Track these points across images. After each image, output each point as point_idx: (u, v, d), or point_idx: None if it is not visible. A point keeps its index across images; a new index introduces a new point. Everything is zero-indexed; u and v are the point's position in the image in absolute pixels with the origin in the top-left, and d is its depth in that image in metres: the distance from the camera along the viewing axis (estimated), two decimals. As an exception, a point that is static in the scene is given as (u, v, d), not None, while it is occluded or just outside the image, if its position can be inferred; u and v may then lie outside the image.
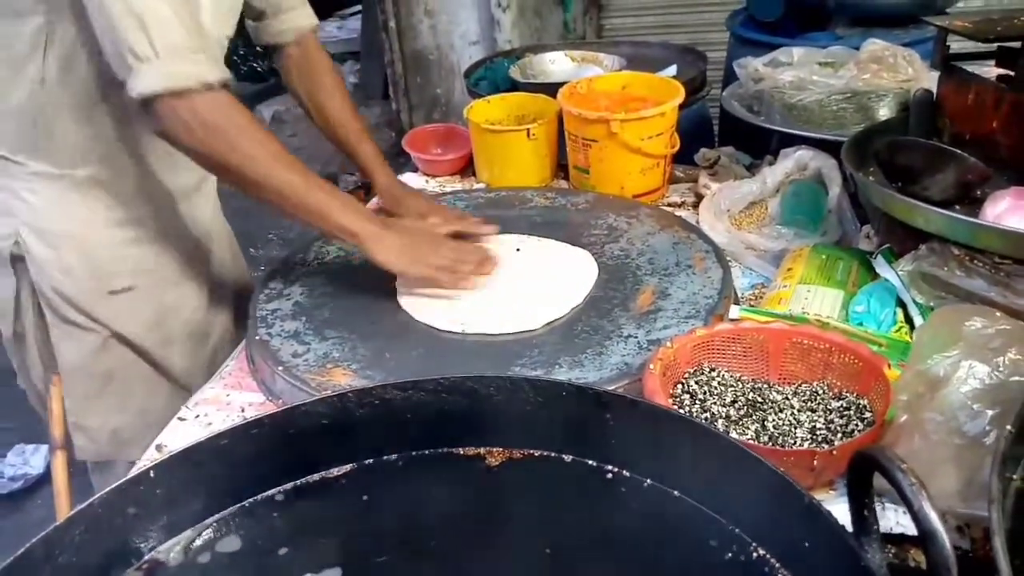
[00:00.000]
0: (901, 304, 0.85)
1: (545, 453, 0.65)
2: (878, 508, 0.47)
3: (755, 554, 0.55)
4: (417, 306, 0.94)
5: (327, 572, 0.56)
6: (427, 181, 1.38)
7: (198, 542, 0.59)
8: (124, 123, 0.93)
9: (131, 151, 0.95)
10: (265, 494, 0.62)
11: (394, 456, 0.66)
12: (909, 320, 0.83)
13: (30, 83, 0.87)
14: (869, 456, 0.42)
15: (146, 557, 0.57)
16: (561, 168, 1.34)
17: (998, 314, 0.64)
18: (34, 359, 1.01)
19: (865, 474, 0.44)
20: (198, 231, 1.07)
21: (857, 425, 0.70)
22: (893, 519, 0.63)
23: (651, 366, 0.73)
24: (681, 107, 1.22)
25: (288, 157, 0.87)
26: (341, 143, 1.12)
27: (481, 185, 1.34)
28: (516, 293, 0.96)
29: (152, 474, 0.57)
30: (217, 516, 0.60)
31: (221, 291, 1.11)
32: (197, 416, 0.83)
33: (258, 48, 1.13)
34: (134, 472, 0.57)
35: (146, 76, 0.79)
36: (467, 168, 1.40)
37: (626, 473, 0.62)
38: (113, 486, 0.55)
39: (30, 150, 0.91)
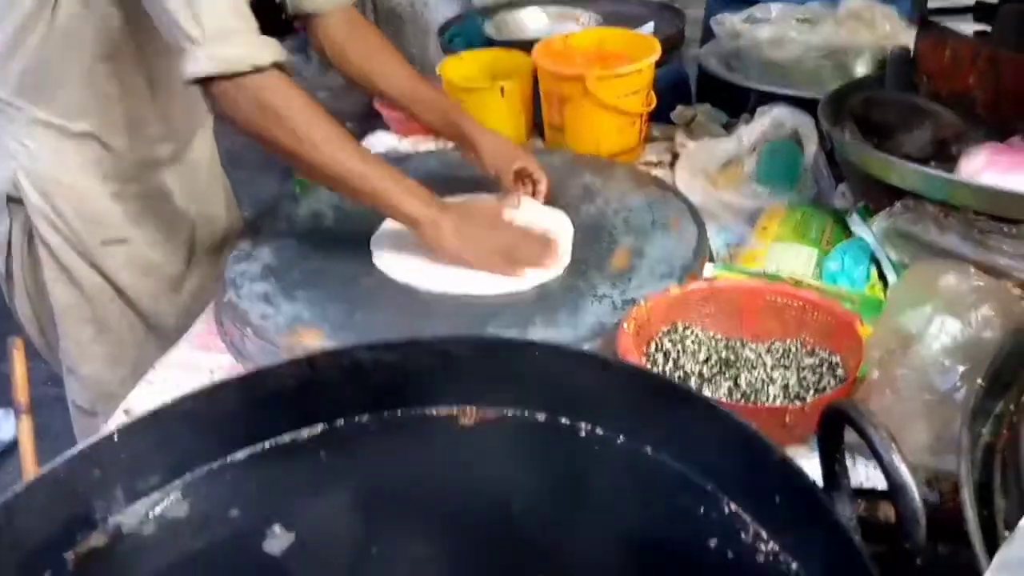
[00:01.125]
0: (875, 262, 0.85)
1: (518, 413, 0.64)
2: (848, 463, 0.47)
3: (727, 509, 0.55)
4: (394, 266, 0.92)
5: (291, 534, 0.55)
6: (400, 140, 1.36)
7: (164, 506, 0.58)
8: (125, 88, 0.93)
9: (128, 115, 0.95)
10: (233, 457, 0.61)
11: (365, 418, 0.65)
12: (883, 277, 0.83)
13: (40, 32, 0.87)
14: (840, 410, 0.42)
15: (110, 521, 0.56)
16: (536, 127, 1.32)
17: (972, 270, 0.64)
18: (23, 301, 1.03)
19: (836, 428, 0.44)
20: (191, 192, 1.07)
21: (829, 382, 0.70)
22: (863, 473, 0.63)
23: (625, 325, 0.73)
24: (658, 64, 1.20)
25: (345, 139, 0.85)
26: (428, 119, 1.07)
27: (454, 144, 1.32)
28: None
29: (116, 438, 0.56)
30: (183, 480, 0.59)
31: (213, 250, 1.11)
32: (165, 379, 0.81)
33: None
34: (96, 437, 0.55)
35: (197, 59, 0.78)
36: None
37: (599, 431, 0.62)
38: (75, 450, 0.54)
39: (31, 97, 0.91)
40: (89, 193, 0.96)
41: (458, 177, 1.12)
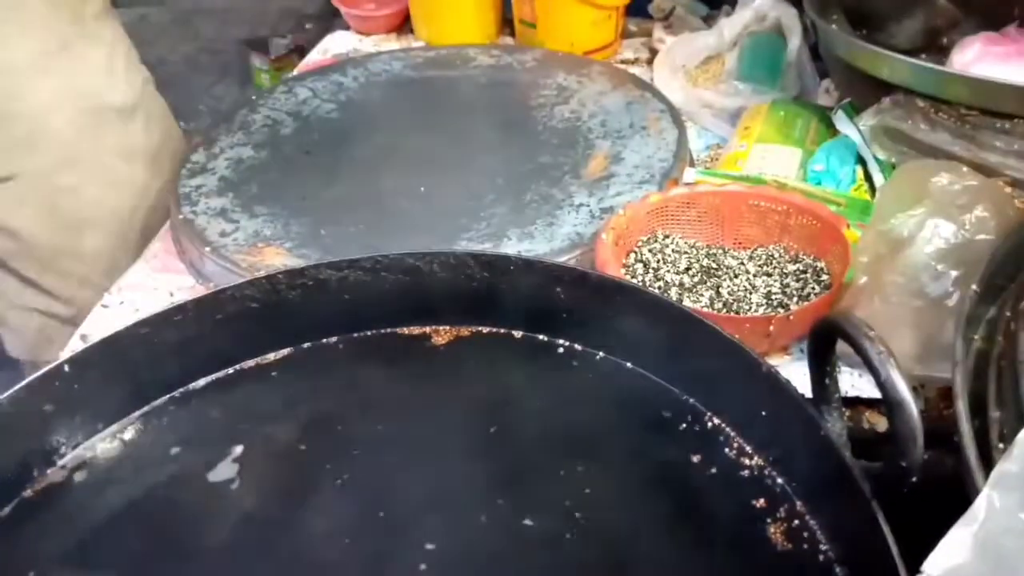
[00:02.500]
0: (861, 162, 0.82)
1: (493, 330, 0.62)
2: (832, 371, 0.45)
3: (710, 424, 0.53)
4: None
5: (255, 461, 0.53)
6: (360, 40, 1.28)
7: (125, 436, 0.55)
8: None
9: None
10: (195, 384, 0.58)
11: (334, 339, 0.62)
12: (869, 178, 0.80)
13: None
14: (832, 322, 0.40)
15: (68, 456, 0.53)
16: (507, 23, 1.25)
17: (965, 169, 0.61)
18: None
19: (827, 341, 0.42)
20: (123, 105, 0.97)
21: (814, 288, 0.68)
22: (848, 382, 0.62)
23: (603, 235, 0.69)
24: (634, -47, 1.12)
25: None
26: None
27: (420, 43, 1.25)
28: None
29: (67, 368, 0.53)
30: (144, 409, 0.57)
31: (151, 165, 1.01)
32: (122, 303, 0.77)
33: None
34: (45, 369, 0.52)
35: None
36: (404, 25, 1.30)
37: (578, 347, 0.60)
38: (22, 383, 0.51)
39: None
40: None
41: (427, 79, 1.06)
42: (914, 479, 0.36)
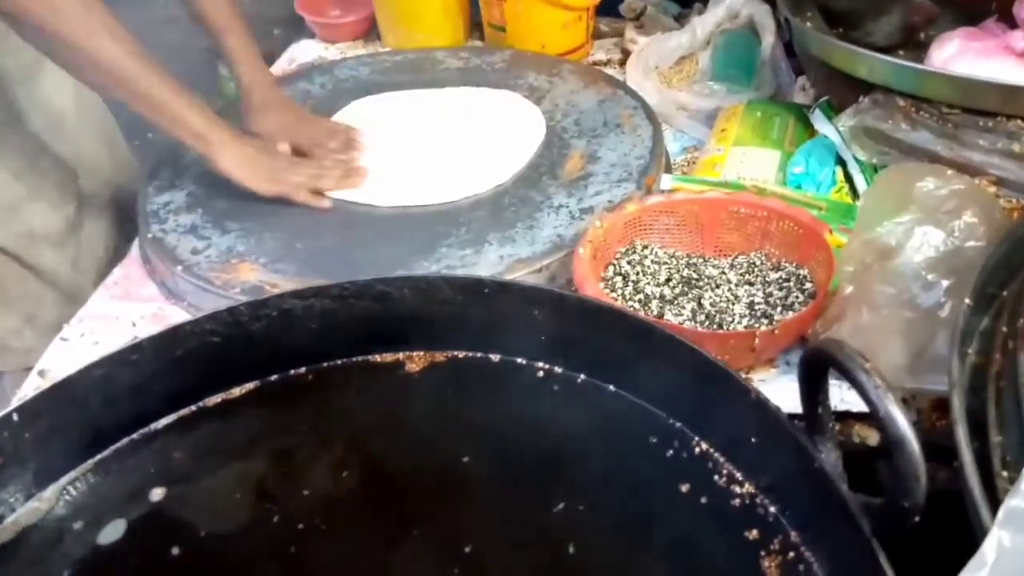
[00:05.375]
0: (841, 162, 0.80)
1: (470, 354, 0.59)
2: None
3: (697, 449, 0.51)
4: None
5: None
6: (326, 48, 1.25)
7: (81, 484, 0.52)
8: None
9: None
10: (156, 425, 0.55)
11: (303, 370, 0.59)
12: (849, 179, 0.78)
13: None
14: (826, 353, 0.37)
15: (20, 509, 0.50)
16: (476, 27, 1.22)
17: (949, 172, 0.59)
18: None
19: (819, 370, 0.40)
20: (49, 116, 0.92)
21: (797, 297, 0.66)
22: (837, 396, 0.59)
23: (580, 250, 0.67)
24: (602, -48, 1.10)
25: (129, 41, 0.72)
26: (206, 28, 0.90)
27: (387, 49, 1.22)
28: (454, 156, 0.88)
29: (15, 417, 0.50)
30: (102, 455, 0.53)
31: (92, 184, 0.97)
32: (82, 335, 0.74)
33: None
34: (-8, 418, 0.49)
35: None
36: (370, 31, 1.27)
37: (558, 370, 0.58)
38: (-33, 436, 0.48)
39: None
40: None
41: (394, 83, 1.03)
42: (916, 519, 0.34)
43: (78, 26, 0.69)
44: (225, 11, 0.89)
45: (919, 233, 0.53)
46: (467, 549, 0.47)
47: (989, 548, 0.31)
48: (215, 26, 0.89)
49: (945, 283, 0.52)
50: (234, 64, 0.90)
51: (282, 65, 1.21)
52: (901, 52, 0.80)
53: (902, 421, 0.33)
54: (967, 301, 0.45)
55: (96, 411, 0.53)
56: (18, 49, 0.85)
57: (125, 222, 0.99)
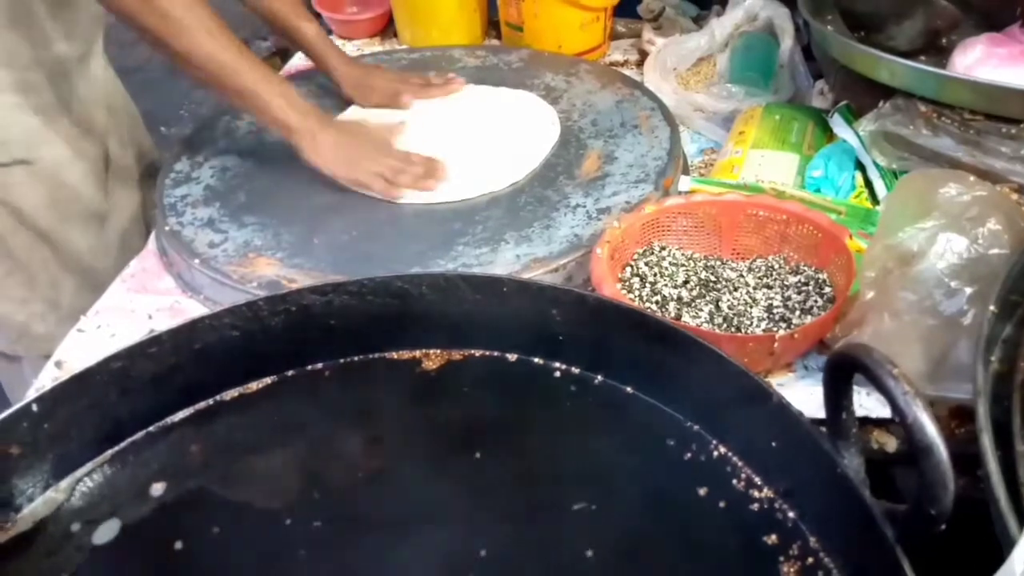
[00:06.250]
0: (860, 167, 0.79)
1: (487, 353, 0.59)
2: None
3: (716, 453, 0.51)
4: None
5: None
6: (343, 45, 1.25)
7: (98, 476, 0.52)
8: None
9: (13, 7, 0.81)
10: (172, 418, 0.55)
11: (320, 365, 0.59)
12: (869, 185, 0.78)
13: None
14: (852, 356, 0.37)
15: (38, 499, 0.50)
16: (493, 26, 1.22)
17: (971, 178, 0.59)
18: None
19: (844, 374, 0.40)
20: (94, 105, 0.94)
21: (816, 301, 0.66)
22: (855, 402, 0.59)
23: (598, 250, 0.67)
24: (621, -47, 1.10)
25: (221, 29, 0.76)
26: (275, 19, 0.96)
27: (403, 46, 1.22)
28: (470, 154, 0.88)
29: (35, 408, 0.50)
30: (119, 446, 0.54)
31: (123, 172, 0.99)
32: (99, 327, 0.74)
33: None
34: (12, 409, 0.49)
35: None
36: (387, 28, 1.27)
37: (575, 370, 0.57)
38: (-13, 426, 0.48)
39: None
40: None
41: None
42: (943, 527, 0.34)
43: (180, 28, 0.74)
44: (295, 6, 0.96)
45: (942, 239, 0.53)
46: (482, 551, 0.47)
47: (1019, 558, 0.31)
48: (287, 21, 0.95)
49: (968, 290, 0.51)
50: (316, 52, 0.97)
51: (297, 61, 1.21)
52: (923, 57, 0.80)
53: (931, 428, 0.33)
54: (992, 308, 0.45)
55: (114, 403, 0.53)
56: (72, 37, 0.87)
57: (145, 214, 1.00)
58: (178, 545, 0.48)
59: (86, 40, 0.91)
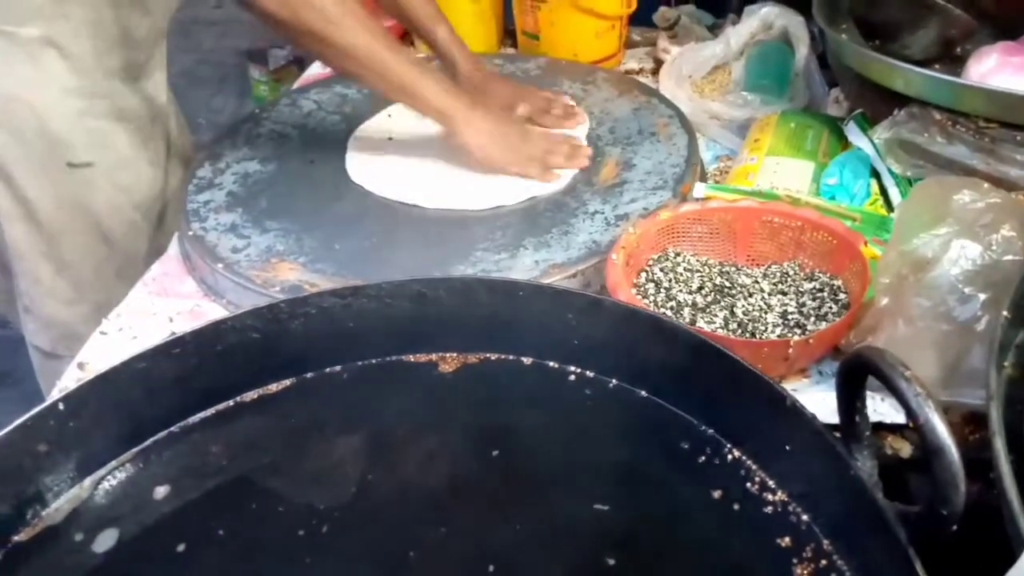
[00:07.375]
0: (875, 175, 0.80)
1: (503, 356, 0.60)
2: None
3: (730, 456, 0.51)
4: (374, 179, 0.87)
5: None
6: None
7: (121, 474, 0.53)
8: None
9: (86, 17, 0.84)
10: (194, 418, 0.56)
11: (338, 368, 0.60)
12: (884, 192, 0.78)
13: None
14: (865, 360, 0.38)
15: (63, 496, 0.51)
16: (509, 34, 1.23)
17: (986, 185, 0.59)
18: None
19: (858, 376, 0.40)
20: (154, 109, 0.97)
21: (831, 307, 0.66)
22: (870, 407, 0.59)
23: (613, 256, 0.68)
24: (637, -38, 1.11)
25: (373, 24, 0.79)
26: (411, 22, 1.00)
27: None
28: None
29: (62, 407, 0.51)
30: (142, 445, 0.55)
31: (175, 173, 1.02)
32: (120, 329, 0.75)
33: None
34: (39, 408, 0.50)
35: None
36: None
37: (590, 374, 0.58)
38: (16, 423, 0.49)
39: None
40: (51, 110, 0.85)
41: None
42: (954, 528, 0.34)
43: (336, 24, 0.77)
44: (430, 7, 0.99)
45: (956, 246, 0.53)
46: (498, 552, 0.47)
47: (1029, 560, 0.31)
48: (423, 22, 0.99)
49: (982, 296, 0.52)
50: (447, 53, 0.99)
51: (316, 69, 1.23)
52: (937, 65, 0.80)
53: (942, 429, 0.33)
54: (1005, 314, 0.45)
55: (137, 403, 0.54)
56: (135, 44, 0.90)
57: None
58: (188, 546, 0.49)
59: (145, 47, 0.94)
